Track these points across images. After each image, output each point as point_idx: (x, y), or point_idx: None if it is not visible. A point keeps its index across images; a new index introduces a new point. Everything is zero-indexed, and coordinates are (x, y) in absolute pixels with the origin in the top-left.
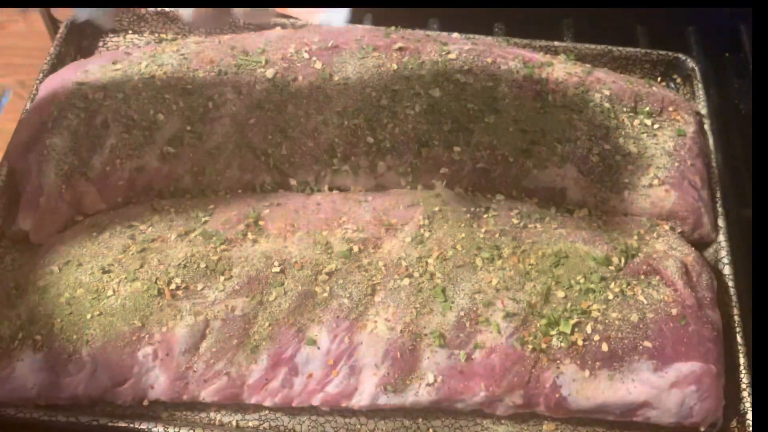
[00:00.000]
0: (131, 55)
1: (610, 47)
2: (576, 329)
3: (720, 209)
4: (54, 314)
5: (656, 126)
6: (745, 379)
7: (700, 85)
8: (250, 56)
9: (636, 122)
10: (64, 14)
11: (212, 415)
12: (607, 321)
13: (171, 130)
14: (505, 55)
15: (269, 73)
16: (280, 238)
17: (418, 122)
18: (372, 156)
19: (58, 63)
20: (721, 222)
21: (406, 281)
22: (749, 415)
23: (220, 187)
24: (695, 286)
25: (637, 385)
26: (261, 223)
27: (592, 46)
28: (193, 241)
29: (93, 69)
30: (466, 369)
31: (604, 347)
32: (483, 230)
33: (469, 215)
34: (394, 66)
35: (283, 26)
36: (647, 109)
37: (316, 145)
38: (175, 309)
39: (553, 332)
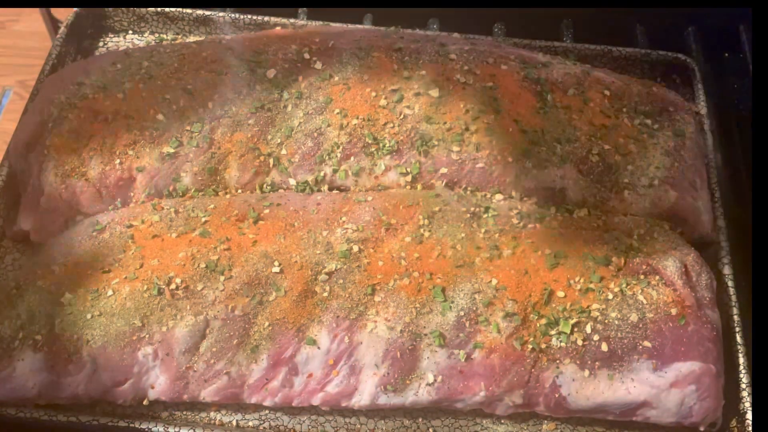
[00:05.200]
0: (131, 55)
1: (609, 47)
2: (576, 329)
3: (719, 209)
4: (54, 314)
5: (656, 126)
6: (744, 378)
7: (699, 86)
8: (250, 56)
9: (636, 122)
10: (64, 14)
11: (212, 414)
12: (606, 321)
13: (171, 130)
14: (505, 55)
15: (269, 73)
16: (280, 238)
17: (418, 122)
18: (372, 156)
19: (58, 63)
20: (720, 222)
21: (406, 281)
22: (749, 415)
23: (220, 187)
24: (695, 286)
25: (637, 385)
26: (261, 223)
27: (592, 47)
28: (193, 241)
29: (93, 69)
30: (466, 369)
31: (604, 347)
32: (483, 230)
33: (468, 215)
34: (394, 66)
35: (283, 26)
36: (647, 109)
37: (316, 145)
38: (175, 309)
39: (553, 332)
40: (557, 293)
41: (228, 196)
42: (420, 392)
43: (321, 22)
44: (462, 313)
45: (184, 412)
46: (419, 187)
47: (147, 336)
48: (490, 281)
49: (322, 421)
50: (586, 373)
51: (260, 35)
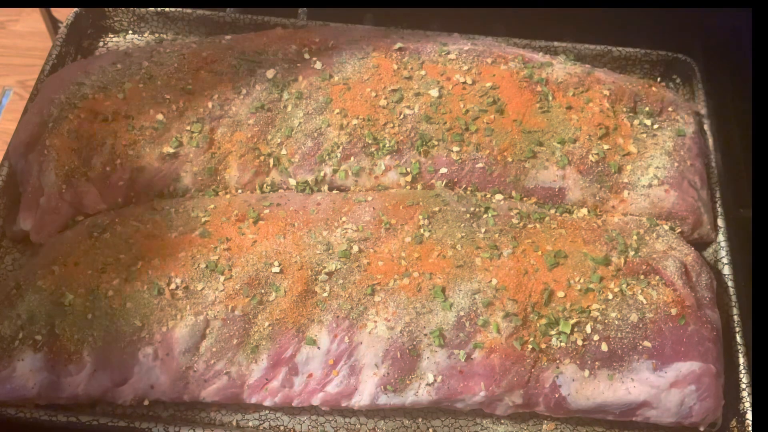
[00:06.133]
0: (131, 55)
1: (609, 47)
2: (575, 329)
3: (719, 209)
4: (54, 314)
5: (656, 126)
6: (744, 378)
7: (699, 86)
8: (250, 56)
9: (636, 122)
10: (64, 14)
11: (212, 414)
12: (606, 321)
13: (171, 130)
14: (505, 55)
15: (269, 73)
16: (280, 238)
17: (418, 122)
18: (372, 156)
19: (58, 63)
20: (720, 222)
21: (406, 281)
22: (749, 415)
23: (220, 187)
24: (695, 286)
25: (637, 385)
26: (261, 223)
27: (592, 47)
28: (193, 241)
29: (93, 69)
30: (466, 369)
31: (604, 347)
32: (482, 230)
33: (468, 215)
34: (394, 66)
35: (283, 26)
36: (647, 109)
37: (316, 145)
38: (175, 309)
39: (553, 332)
40: (557, 293)
41: (228, 196)
42: (420, 392)
43: (321, 22)
44: (462, 313)
45: (185, 412)
46: (419, 187)
47: (147, 336)
48: (490, 281)
49: (322, 421)
50: (586, 373)
51: (260, 35)
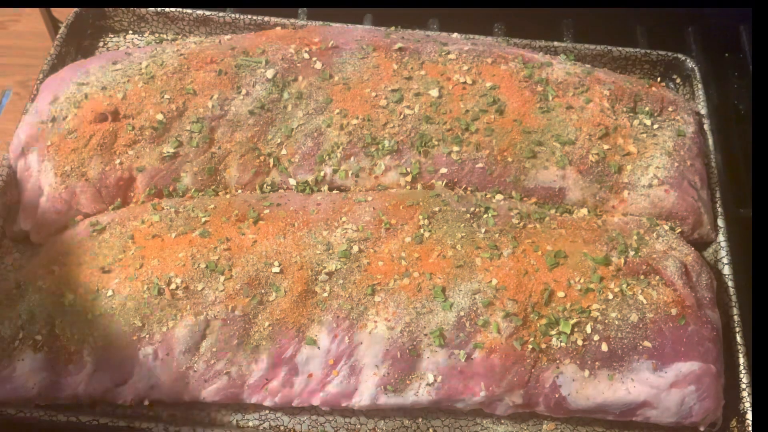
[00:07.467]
0: (131, 55)
1: (609, 47)
2: (576, 329)
3: (719, 209)
4: (54, 314)
5: (656, 126)
6: (744, 378)
7: (699, 86)
8: (250, 56)
9: (635, 122)
10: (64, 14)
11: (212, 414)
12: (606, 321)
13: (171, 130)
14: (505, 55)
15: (269, 73)
16: (280, 238)
17: (418, 122)
18: (372, 156)
19: (58, 63)
20: (720, 222)
21: (406, 281)
22: (749, 415)
23: (220, 187)
24: (695, 286)
25: (637, 385)
26: (261, 223)
27: (592, 47)
28: (193, 241)
29: (93, 69)
30: (466, 369)
31: (604, 347)
32: (483, 230)
33: (468, 215)
34: (394, 66)
35: (283, 26)
36: (647, 109)
37: (316, 145)
38: (176, 309)
39: (553, 332)
40: (557, 293)
41: (228, 196)
42: (420, 392)
43: (321, 22)
44: (462, 313)
45: (184, 412)
46: (419, 187)
47: (147, 336)
48: (490, 281)
49: (322, 421)
50: (586, 373)
51: (260, 35)
